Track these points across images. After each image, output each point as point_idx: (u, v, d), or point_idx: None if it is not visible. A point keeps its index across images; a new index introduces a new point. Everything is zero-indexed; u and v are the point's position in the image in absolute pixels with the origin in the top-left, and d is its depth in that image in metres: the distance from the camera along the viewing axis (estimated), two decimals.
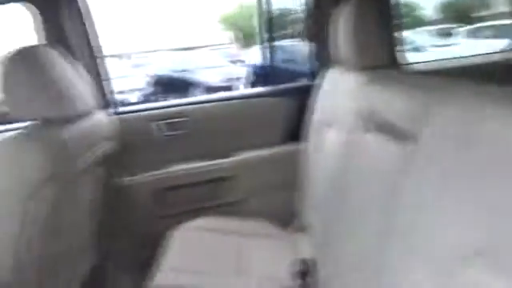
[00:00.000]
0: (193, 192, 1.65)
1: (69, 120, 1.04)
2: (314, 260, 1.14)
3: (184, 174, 1.63)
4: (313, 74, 1.71)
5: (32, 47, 1.04)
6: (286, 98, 1.69)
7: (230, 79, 7.99)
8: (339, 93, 1.27)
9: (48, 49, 1.07)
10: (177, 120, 1.62)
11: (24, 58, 0.98)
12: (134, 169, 1.60)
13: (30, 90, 0.98)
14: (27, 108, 1.00)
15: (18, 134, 0.97)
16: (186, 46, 13.42)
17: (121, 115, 1.56)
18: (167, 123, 1.61)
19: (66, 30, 1.43)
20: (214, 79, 7.88)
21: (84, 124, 1.12)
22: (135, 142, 1.58)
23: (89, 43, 1.52)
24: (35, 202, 0.93)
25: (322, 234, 1.21)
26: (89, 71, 1.47)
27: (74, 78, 1.12)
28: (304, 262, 1.13)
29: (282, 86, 1.81)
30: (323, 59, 1.63)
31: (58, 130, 1.00)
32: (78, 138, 1.08)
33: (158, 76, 8.81)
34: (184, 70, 8.43)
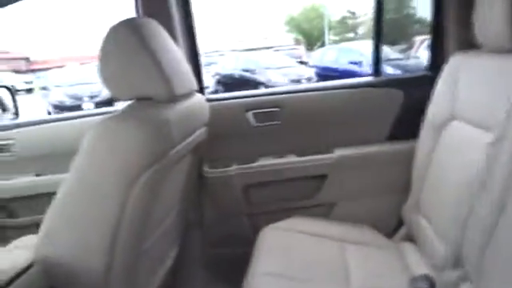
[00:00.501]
0: (284, 189, 1.52)
1: (173, 100, 0.95)
2: (433, 279, 0.97)
3: (275, 169, 1.49)
4: (429, 66, 1.52)
5: (135, 19, 0.96)
6: (395, 90, 1.48)
7: (299, 80, 7.84)
8: (471, 81, 1.07)
9: (152, 21, 0.99)
10: (268, 110, 1.48)
11: (127, 29, 0.90)
12: (222, 159, 1.50)
13: (133, 66, 0.90)
14: (127, 86, 0.92)
15: (121, 113, 0.89)
16: (251, 47, 13.57)
17: (211, 102, 1.47)
18: (258, 113, 1.48)
19: (169, 7, 1.36)
20: (282, 79, 7.77)
21: (187, 105, 1.03)
22: (223, 131, 1.47)
23: (191, 24, 1.45)
24: (137, 185, 0.85)
25: (442, 252, 1.02)
26: (186, 52, 1.41)
27: (177, 55, 1.03)
28: (428, 278, 0.96)
29: (389, 77, 1.62)
30: (441, 50, 1.43)
31: (161, 110, 0.91)
32: (182, 120, 0.98)
33: (227, 75, 8.90)
34: (251, 70, 8.43)
